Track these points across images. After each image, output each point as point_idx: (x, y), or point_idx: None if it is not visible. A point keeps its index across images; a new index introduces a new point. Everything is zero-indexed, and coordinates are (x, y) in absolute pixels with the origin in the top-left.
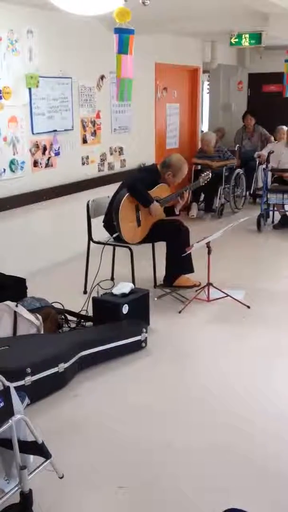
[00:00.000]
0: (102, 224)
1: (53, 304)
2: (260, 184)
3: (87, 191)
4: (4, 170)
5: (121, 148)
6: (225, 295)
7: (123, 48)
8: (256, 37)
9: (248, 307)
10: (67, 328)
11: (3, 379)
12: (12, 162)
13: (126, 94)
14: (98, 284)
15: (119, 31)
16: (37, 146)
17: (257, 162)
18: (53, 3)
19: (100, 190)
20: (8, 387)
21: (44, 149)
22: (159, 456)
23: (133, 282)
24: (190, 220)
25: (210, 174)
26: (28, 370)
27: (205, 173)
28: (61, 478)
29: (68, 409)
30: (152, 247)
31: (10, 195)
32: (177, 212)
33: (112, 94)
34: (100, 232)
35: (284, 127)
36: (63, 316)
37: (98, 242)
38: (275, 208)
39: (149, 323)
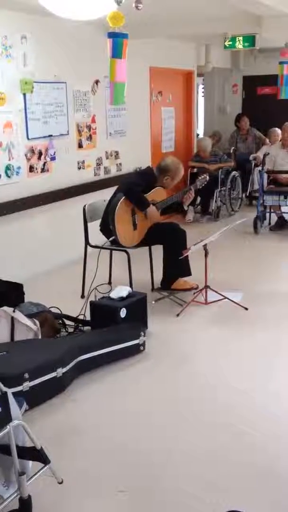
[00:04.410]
0: (99, 228)
1: (50, 309)
2: (256, 186)
3: (83, 196)
4: (0, 175)
5: (117, 152)
6: (223, 297)
7: (117, 53)
8: (250, 40)
9: (246, 309)
10: (65, 333)
11: (1, 384)
12: (7, 168)
13: (120, 98)
14: (95, 288)
15: (112, 35)
16: (32, 151)
17: (253, 164)
18: (47, 8)
19: (96, 194)
20: (6, 393)
21: (40, 154)
22: (159, 458)
23: (131, 285)
24: (187, 223)
25: (208, 177)
26: (26, 375)
27: (202, 176)
28: (60, 483)
29: (67, 414)
30: (149, 250)
31: (6, 200)
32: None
33: (106, 98)
34: (97, 236)
35: (277, 130)
36: (60, 321)
37: (95, 246)
38: (272, 210)
39: (147, 327)
